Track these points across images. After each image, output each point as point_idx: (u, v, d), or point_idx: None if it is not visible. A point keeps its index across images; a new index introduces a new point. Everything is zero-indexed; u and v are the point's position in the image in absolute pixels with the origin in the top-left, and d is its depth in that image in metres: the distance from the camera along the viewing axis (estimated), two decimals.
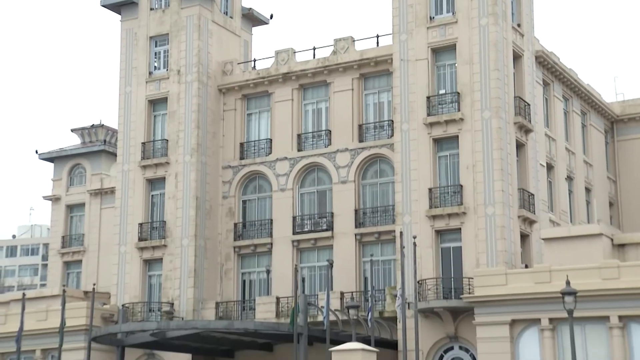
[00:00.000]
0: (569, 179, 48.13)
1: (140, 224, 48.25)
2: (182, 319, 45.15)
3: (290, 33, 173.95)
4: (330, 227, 45.30)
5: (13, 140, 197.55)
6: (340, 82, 46.53)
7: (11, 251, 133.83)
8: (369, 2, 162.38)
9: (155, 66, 50.34)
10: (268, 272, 46.20)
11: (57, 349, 42.50)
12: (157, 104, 49.70)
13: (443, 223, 40.75)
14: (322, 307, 38.81)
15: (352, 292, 43.09)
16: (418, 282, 39.29)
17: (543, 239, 39.21)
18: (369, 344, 34.38)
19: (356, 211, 44.99)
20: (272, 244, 46.64)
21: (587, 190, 50.07)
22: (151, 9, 50.46)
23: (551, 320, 36.52)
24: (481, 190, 40.19)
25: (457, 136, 41.32)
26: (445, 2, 42.80)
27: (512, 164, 41.43)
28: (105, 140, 61.23)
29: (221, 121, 49.31)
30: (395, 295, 40.30)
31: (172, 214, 47.57)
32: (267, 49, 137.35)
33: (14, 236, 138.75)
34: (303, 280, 45.27)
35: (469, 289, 38.75)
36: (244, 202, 48.45)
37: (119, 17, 51.52)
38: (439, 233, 41.04)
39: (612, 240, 38.11)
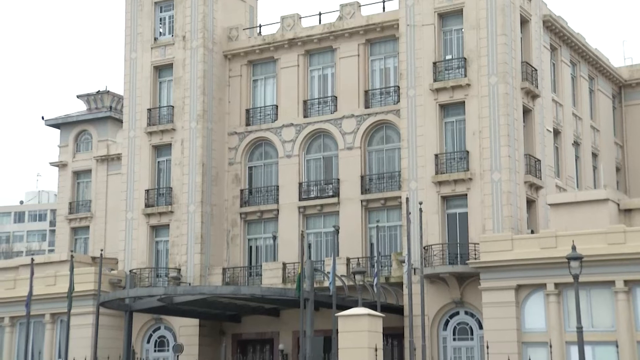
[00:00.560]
0: (576, 144, 48.01)
1: (147, 191, 48.37)
2: (189, 284, 45.43)
3: None
4: (336, 193, 45.34)
5: (19, 106, 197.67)
6: (346, 47, 46.31)
7: (19, 217, 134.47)
8: None
9: (160, 32, 50.15)
10: (274, 238, 46.37)
11: (65, 313, 42.88)
12: (162, 70, 49.56)
13: (449, 189, 40.76)
14: (328, 272, 38.96)
15: (358, 258, 43.25)
16: (424, 247, 39.36)
17: (549, 205, 39.23)
18: (375, 309, 34.48)
19: (362, 177, 45.00)
20: (278, 210, 46.74)
21: (594, 155, 49.97)
22: None
23: (557, 285, 36.67)
24: (487, 156, 40.14)
25: (464, 102, 41.19)
26: None
27: (519, 129, 41.32)
28: (111, 107, 61.18)
29: (227, 87, 49.19)
30: (402, 261, 40.44)
31: (178, 181, 47.65)
32: (273, 15, 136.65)
33: (21, 202, 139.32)
34: (309, 246, 45.42)
35: (475, 254, 38.85)
36: (250, 168, 48.48)
37: None
38: (445, 199, 41.07)
39: (618, 205, 38.13)
